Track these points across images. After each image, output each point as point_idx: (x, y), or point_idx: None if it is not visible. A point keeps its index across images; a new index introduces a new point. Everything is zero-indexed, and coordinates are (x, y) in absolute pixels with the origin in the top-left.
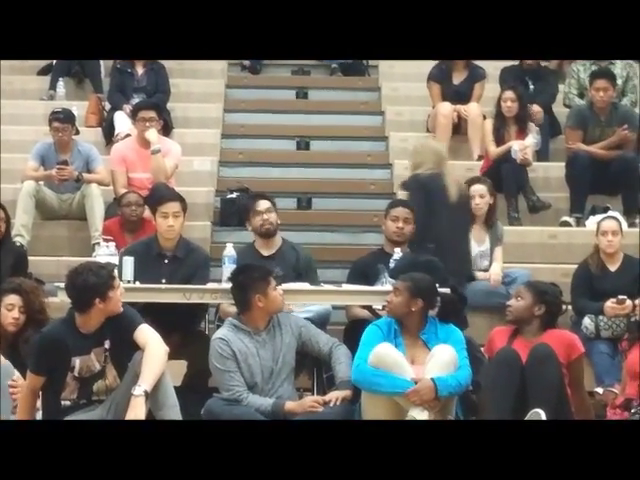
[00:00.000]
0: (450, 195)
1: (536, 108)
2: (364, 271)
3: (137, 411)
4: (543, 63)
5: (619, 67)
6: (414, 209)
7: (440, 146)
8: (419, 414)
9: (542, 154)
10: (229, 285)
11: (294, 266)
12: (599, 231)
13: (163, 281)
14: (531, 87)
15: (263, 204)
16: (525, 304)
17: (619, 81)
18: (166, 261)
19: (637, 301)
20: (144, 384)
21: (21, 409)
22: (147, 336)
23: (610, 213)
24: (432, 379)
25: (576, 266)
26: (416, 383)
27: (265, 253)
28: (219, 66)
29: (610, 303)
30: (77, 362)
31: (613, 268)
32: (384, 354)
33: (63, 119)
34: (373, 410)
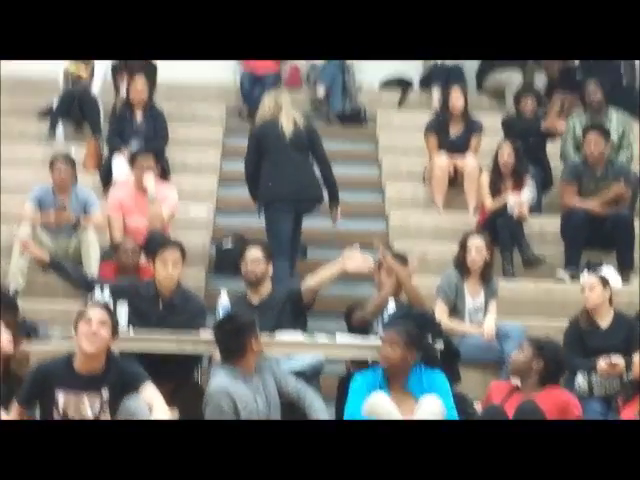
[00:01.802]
0: (285, 136)
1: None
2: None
3: None
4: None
5: (615, 122)
6: None
7: (278, 96)
8: None
9: (534, 207)
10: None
11: (292, 309)
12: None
13: (154, 320)
14: (530, 139)
15: (252, 254)
16: (524, 357)
17: (615, 136)
18: (161, 304)
19: (636, 358)
20: None
21: None
22: (153, 396)
23: (604, 269)
24: None
25: None
26: None
27: (254, 302)
28: (218, 113)
29: (603, 363)
30: (61, 397)
31: (604, 325)
32: (378, 405)
33: (66, 160)
34: None
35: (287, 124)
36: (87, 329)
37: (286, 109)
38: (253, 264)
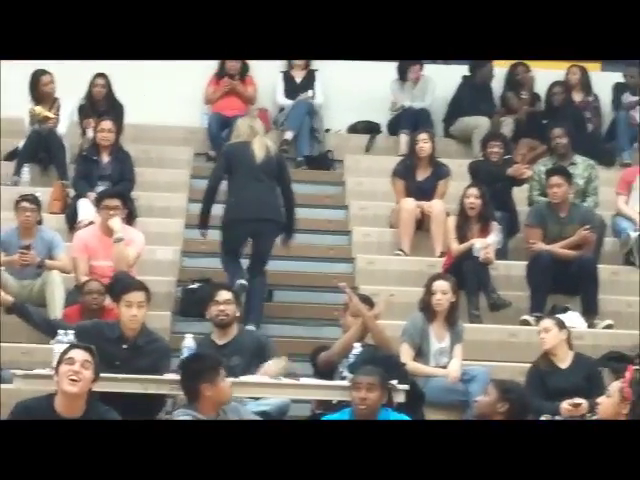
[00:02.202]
0: (253, 158)
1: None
2: None
3: None
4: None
5: (581, 168)
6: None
7: (253, 122)
8: None
9: (501, 252)
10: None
11: (253, 352)
12: None
13: (117, 363)
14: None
15: (223, 295)
16: (490, 400)
17: (581, 182)
18: (125, 346)
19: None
20: None
21: None
22: None
23: (569, 313)
24: None
25: None
26: None
27: (220, 342)
28: (184, 156)
29: (566, 405)
30: None
31: (563, 366)
32: None
33: (31, 201)
34: None
35: (259, 149)
36: (69, 369)
37: (259, 135)
38: (225, 304)
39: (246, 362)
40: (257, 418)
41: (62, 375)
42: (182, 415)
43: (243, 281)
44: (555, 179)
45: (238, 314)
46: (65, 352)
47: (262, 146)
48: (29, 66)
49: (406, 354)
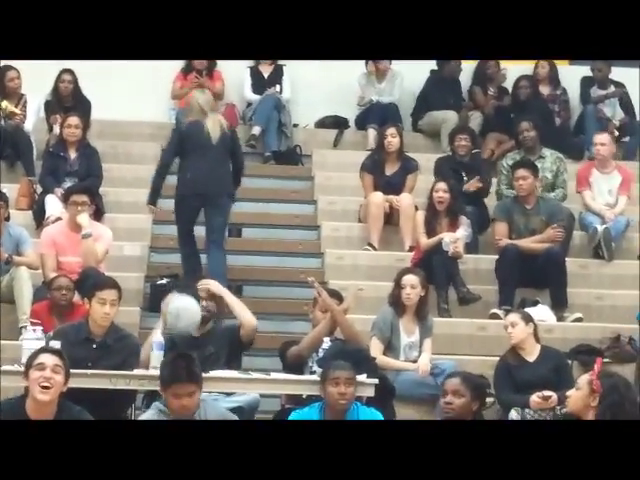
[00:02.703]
0: (209, 138)
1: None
2: None
3: None
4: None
5: (549, 161)
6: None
7: (205, 98)
8: None
9: (472, 247)
10: (156, 371)
11: (228, 343)
12: None
13: (89, 364)
14: (464, 179)
15: (202, 292)
16: (466, 401)
17: (549, 175)
18: (94, 346)
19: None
20: None
21: None
22: None
23: (539, 307)
24: None
25: None
26: None
27: (196, 334)
28: (152, 151)
29: (535, 397)
30: None
31: (531, 359)
32: None
33: None
34: None
35: (213, 128)
36: (40, 375)
37: (214, 113)
38: (205, 299)
39: (221, 352)
40: (232, 415)
41: (33, 382)
42: (155, 410)
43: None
44: (521, 172)
45: (215, 310)
46: (34, 357)
47: (216, 124)
48: None
49: (376, 348)
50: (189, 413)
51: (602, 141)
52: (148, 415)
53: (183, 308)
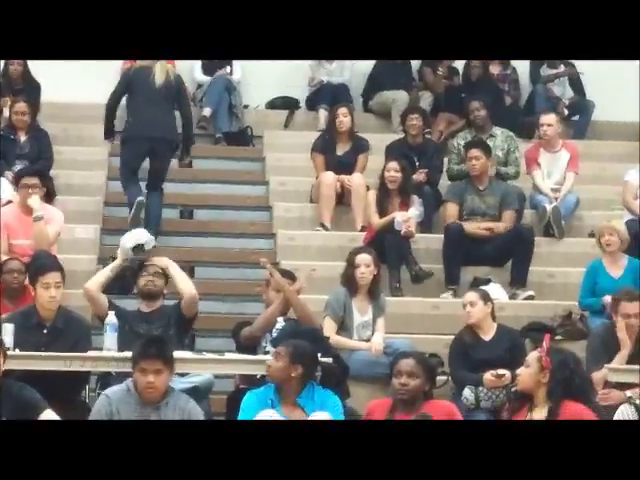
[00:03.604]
0: (153, 83)
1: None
2: None
3: None
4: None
5: (500, 139)
6: None
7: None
8: None
9: (426, 226)
10: (110, 353)
11: (176, 323)
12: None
13: (42, 349)
14: (416, 163)
15: (153, 268)
16: (420, 382)
17: (500, 153)
18: (45, 331)
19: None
20: None
21: None
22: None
23: (491, 285)
24: None
25: None
26: None
27: (145, 310)
28: (102, 134)
29: (489, 375)
30: None
31: (487, 338)
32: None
33: None
34: None
35: (160, 74)
36: None
37: (162, 61)
38: (154, 276)
39: (168, 329)
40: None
41: None
42: (124, 387)
43: (141, 198)
44: (473, 152)
45: (165, 291)
46: None
47: (162, 71)
48: None
49: (329, 328)
50: (155, 393)
51: (549, 122)
52: (115, 391)
53: (129, 232)
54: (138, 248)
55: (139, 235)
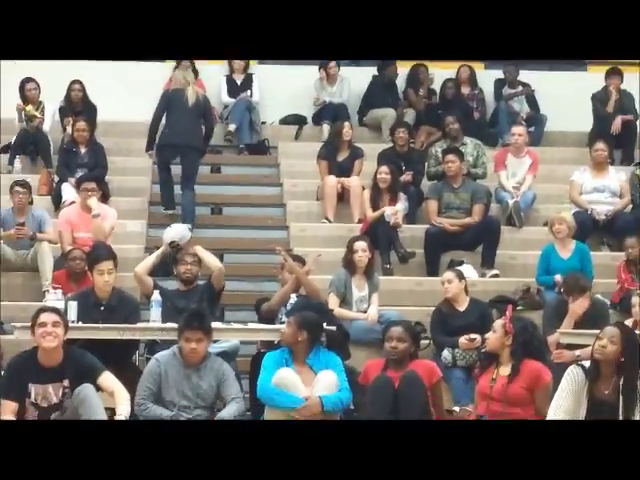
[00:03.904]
0: (186, 102)
1: None
2: None
3: None
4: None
5: (470, 147)
6: None
7: (186, 74)
8: None
9: (410, 218)
10: (155, 324)
11: (208, 299)
12: None
13: (100, 322)
14: (403, 167)
15: (189, 257)
16: (407, 346)
17: (470, 158)
18: (102, 308)
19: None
20: (124, 412)
21: None
22: (112, 382)
23: (464, 266)
24: (320, 397)
25: None
26: (306, 400)
27: (183, 289)
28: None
29: (463, 339)
30: (32, 389)
31: (461, 308)
32: (284, 377)
33: (23, 185)
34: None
35: (191, 95)
36: (43, 331)
37: (192, 84)
38: (191, 265)
39: (202, 304)
40: (228, 374)
41: (38, 336)
42: (171, 352)
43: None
44: (449, 157)
45: (198, 273)
46: (36, 317)
47: (193, 92)
48: (19, 75)
49: (333, 302)
50: (197, 358)
51: (519, 132)
52: (165, 355)
53: (170, 227)
54: (174, 244)
55: (177, 230)
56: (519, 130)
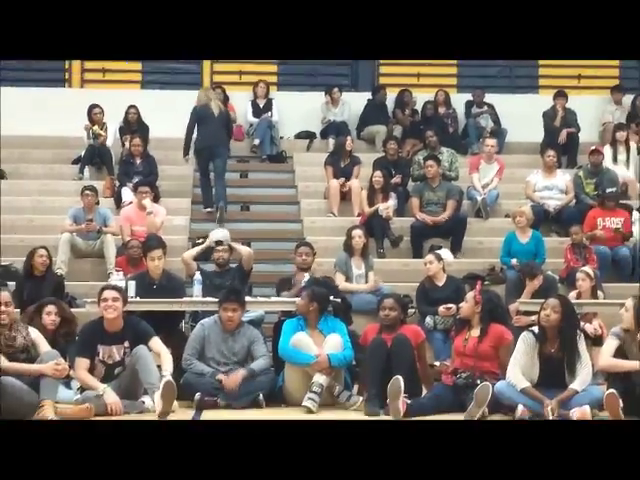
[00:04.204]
0: (213, 113)
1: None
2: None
3: (169, 389)
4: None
5: (446, 155)
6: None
7: (208, 92)
8: (319, 378)
9: (399, 212)
10: (197, 298)
11: (239, 277)
12: None
13: (152, 297)
14: (393, 172)
15: (222, 247)
16: (397, 314)
17: (446, 164)
18: (154, 287)
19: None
20: (168, 373)
21: (84, 384)
22: (160, 345)
23: (442, 250)
24: (328, 355)
25: None
26: (317, 357)
27: (219, 270)
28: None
29: (442, 308)
30: (100, 349)
31: (440, 284)
32: (300, 339)
33: (91, 189)
34: (292, 375)
35: (215, 108)
36: (105, 304)
37: (215, 99)
38: (223, 252)
39: (234, 282)
40: (257, 337)
41: (102, 309)
42: (214, 319)
43: (222, 204)
44: (429, 162)
45: (230, 257)
46: (100, 294)
47: (217, 107)
48: (86, 102)
49: (339, 279)
50: (233, 325)
51: (492, 144)
52: (208, 322)
53: (216, 230)
54: (219, 242)
55: (223, 232)
56: (491, 142)
